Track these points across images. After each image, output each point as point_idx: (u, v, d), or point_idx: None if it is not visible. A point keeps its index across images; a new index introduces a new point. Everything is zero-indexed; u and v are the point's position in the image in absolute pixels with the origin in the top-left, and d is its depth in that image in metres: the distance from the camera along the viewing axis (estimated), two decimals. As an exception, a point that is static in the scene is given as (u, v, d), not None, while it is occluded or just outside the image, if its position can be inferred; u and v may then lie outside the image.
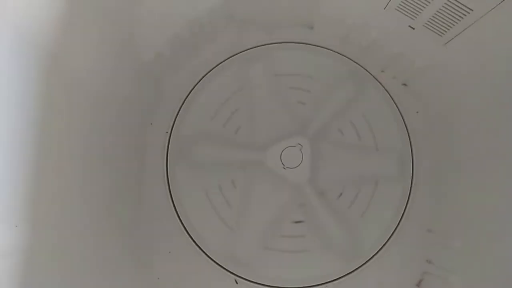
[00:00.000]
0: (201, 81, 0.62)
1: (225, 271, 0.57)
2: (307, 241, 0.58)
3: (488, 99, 0.51)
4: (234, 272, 0.57)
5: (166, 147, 0.60)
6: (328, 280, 0.57)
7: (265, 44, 0.63)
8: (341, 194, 0.59)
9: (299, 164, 0.58)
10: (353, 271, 0.57)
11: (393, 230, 0.59)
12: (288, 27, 0.63)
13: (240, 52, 0.63)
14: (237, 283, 0.57)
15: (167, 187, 0.59)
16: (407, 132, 0.61)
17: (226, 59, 0.62)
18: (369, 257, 0.58)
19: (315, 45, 0.63)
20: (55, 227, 0.38)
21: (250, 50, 0.63)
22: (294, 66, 0.63)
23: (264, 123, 0.61)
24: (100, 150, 0.47)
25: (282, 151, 0.58)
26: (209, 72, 0.62)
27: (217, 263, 0.57)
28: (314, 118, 0.60)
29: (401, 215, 0.59)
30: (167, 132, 0.60)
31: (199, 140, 0.60)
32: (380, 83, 0.62)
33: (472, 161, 0.53)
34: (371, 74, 0.63)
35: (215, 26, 0.60)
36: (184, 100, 0.61)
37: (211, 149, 0.60)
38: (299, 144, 0.58)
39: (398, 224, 0.59)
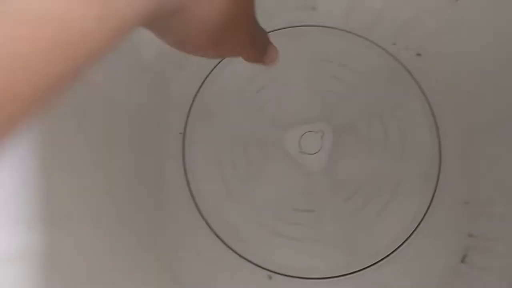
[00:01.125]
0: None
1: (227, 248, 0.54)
2: (312, 231, 0.55)
3: (507, 55, 0.48)
4: (234, 249, 0.54)
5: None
6: (336, 275, 0.54)
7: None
8: (357, 190, 0.56)
9: (317, 152, 0.55)
10: (386, 256, 0.54)
11: (425, 210, 0.55)
12: (289, 10, 0.61)
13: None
14: (271, 278, 0.54)
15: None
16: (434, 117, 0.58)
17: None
18: (398, 245, 0.54)
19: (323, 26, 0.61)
20: (73, 226, 0.36)
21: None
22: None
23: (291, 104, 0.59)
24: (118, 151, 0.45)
25: (303, 134, 0.55)
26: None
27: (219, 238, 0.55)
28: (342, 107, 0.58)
29: (433, 191, 0.56)
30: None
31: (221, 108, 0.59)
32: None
33: (501, 122, 0.50)
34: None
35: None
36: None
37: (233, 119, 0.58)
38: (321, 130, 0.56)
39: (431, 202, 0.55)
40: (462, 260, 0.53)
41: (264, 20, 0.29)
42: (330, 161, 0.55)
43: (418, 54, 0.60)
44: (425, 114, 0.58)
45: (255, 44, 0.28)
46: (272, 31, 0.60)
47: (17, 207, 0.31)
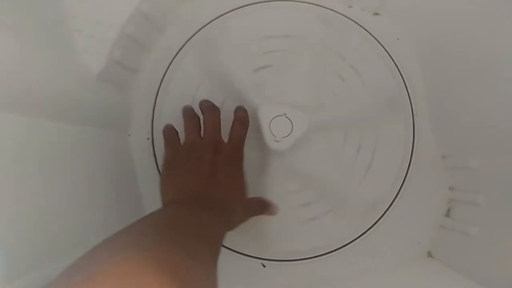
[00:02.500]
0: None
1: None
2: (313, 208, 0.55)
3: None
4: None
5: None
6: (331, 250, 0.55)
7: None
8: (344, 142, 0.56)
9: (285, 137, 0.53)
10: (376, 221, 0.55)
11: (406, 168, 0.56)
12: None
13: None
14: (264, 266, 0.55)
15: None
16: (395, 64, 0.57)
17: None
18: (386, 208, 0.55)
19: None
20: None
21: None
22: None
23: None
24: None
25: (276, 117, 0.53)
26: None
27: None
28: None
29: (410, 151, 0.56)
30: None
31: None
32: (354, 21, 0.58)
33: (469, 76, 0.50)
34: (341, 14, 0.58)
35: (160, 11, 0.54)
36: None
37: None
38: (289, 119, 0.53)
39: (410, 161, 0.56)
40: (447, 214, 0.55)
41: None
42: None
43: (376, 14, 0.58)
44: (391, 70, 0.57)
45: (255, 212, 0.50)
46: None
47: None
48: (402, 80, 0.57)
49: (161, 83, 0.57)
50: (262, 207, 0.51)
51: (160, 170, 0.55)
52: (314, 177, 0.56)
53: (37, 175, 0.33)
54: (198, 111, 0.51)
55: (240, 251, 0.55)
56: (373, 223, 0.55)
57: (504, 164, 0.45)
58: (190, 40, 0.58)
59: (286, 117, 0.52)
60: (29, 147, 0.33)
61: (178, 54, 0.57)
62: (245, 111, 0.52)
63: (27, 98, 0.35)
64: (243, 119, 0.51)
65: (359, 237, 0.55)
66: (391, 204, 0.55)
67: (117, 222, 0.44)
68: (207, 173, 0.44)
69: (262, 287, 0.54)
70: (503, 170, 0.45)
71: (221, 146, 0.48)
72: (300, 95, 0.56)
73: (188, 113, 0.51)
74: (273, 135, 0.52)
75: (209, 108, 0.50)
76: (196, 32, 0.58)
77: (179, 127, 0.52)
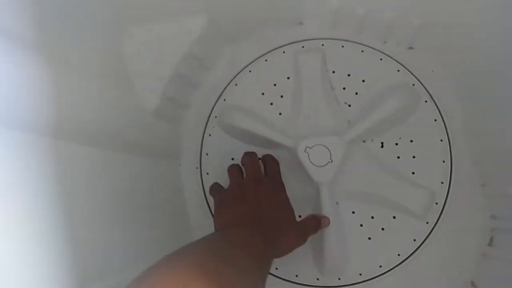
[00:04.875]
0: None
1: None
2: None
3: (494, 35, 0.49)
4: None
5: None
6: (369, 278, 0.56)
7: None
8: (353, 212, 0.58)
9: (326, 165, 0.56)
10: (417, 248, 0.56)
11: (445, 198, 0.57)
12: (273, 28, 0.63)
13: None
14: None
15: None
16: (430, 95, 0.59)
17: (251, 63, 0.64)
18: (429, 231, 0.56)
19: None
20: None
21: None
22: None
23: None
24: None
25: (314, 146, 0.56)
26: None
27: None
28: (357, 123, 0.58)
29: (448, 181, 0.57)
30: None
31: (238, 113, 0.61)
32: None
33: (503, 104, 0.51)
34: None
35: (208, 52, 0.60)
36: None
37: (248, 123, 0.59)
38: (329, 147, 0.56)
39: (448, 188, 0.57)
40: (490, 243, 0.55)
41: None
42: (337, 175, 0.56)
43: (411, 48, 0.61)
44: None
45: (312, 229, 0.52)
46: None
47: None
48: (436, 108, 0.59)
49: (209, 117, 0.62)
50: (317, 222, 0.52)
51: (213, 213, 0.58)
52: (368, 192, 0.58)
53: (109, 200, 0.38)
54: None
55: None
56: (413, 251, 0.56)
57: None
58: (236, 77, 0.63)
59: (323, 146, 0.56)
60: (103, 176, 0.38)
61: (224, 90, 0.63)
62: (270, 155, 0.58)
63: (98, 131, 0.41)
64: (271, 156, 0.57)
65: (399, 264, 0.56)
66: (429, 233, 0.56)
67: (169, 241, 0.49)
68: (253, 200, 0.48)
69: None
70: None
71: (262, 178, 0.53)
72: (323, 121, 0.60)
73: (231, 166, 0.56)
74: (316, 166, 0.56)
75: (246, 152, 0.56)
76: (241, 70, 0.63)
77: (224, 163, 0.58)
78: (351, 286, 0.56)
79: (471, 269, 0.55)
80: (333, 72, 0.61)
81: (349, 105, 0.60)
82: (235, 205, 0.48)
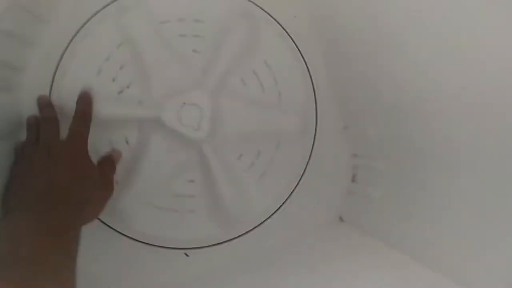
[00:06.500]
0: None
1: (105, 225, 0.54)
2: (196, 202, 0.56)
3: None
4: (112, 226, 0.54)
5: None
6: (214, 243, 0.57)
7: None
8: (241, 155, 0.57)
9: (198, 122, 0.54)
10: (290, 195, 0.59)
11: (312, 143, 0.59)
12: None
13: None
14: (187, 256, 0.55)
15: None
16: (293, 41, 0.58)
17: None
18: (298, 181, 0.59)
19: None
20: None
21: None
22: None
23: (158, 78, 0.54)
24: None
25: (181, 107, 0.53)
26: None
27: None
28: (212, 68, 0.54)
29: (314, 123, 0.59)
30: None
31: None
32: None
33: (361, 56, 0.52)
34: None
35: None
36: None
37: (101, 106, 0.52)
38: (195, 103, 0.53)
39: (315, 133, 0.59)
40: (353, 179, 0.60)
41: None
42: (212, 128, 0.54)
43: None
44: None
45: (111, 171, 0.52)
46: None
47: None
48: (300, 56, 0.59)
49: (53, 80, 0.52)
50: (110, 161, 0.51)
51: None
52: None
53: None
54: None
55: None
56: (287, 196, 0.58)
57: (393, 132, 0.50)
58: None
59: (188, 104, 0.53)
60: None
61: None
62: (86, 103, 0.50)
63: None
64: (83, 112, 0.49)
65: (276, 211, 0.58)
66: (302, 176, 0.59)
67: None
68: (44, 175, 0.42)
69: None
70: (393, 137, 0.50)
71: (56, 145, 0.46)
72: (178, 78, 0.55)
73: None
74: (189, 126, 0.53)
75: (46, 117, 0.49)
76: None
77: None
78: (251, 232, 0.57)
79: (338, 205, 0.60)
80: (165, 22, 0.54)
81: (197, 51, 0.55)
82: (27, 184, 0.42)
